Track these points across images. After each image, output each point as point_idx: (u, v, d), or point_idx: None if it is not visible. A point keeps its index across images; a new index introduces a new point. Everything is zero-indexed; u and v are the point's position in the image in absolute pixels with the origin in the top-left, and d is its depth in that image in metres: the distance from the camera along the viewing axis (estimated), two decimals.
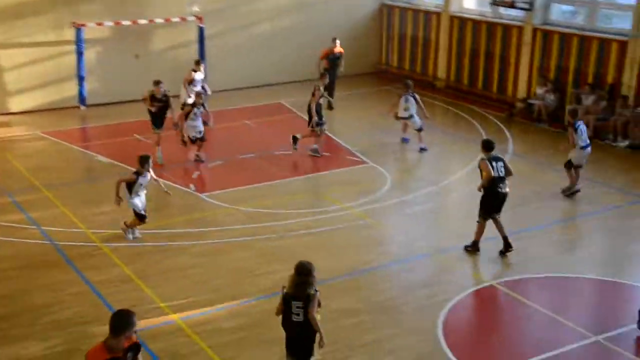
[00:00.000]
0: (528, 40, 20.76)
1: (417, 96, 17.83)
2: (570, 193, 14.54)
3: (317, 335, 7.94)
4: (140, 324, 8.25)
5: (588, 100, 18.64)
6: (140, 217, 12.08)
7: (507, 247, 12.01)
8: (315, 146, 17.17)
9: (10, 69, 20.94)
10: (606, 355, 9.57)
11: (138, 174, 11.74)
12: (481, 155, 12.18)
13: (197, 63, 19.26)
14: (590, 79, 19.17)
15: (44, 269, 11.81)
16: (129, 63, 22.16)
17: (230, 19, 23.67)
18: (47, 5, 21.02)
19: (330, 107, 19.93)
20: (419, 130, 17.71)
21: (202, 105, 16.45)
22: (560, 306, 10.75)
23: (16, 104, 21.19)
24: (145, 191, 11.92)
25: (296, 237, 12.92)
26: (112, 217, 13.41)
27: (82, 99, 21.68)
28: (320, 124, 17.08)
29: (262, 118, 20.73)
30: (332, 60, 21.55)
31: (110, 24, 21.61)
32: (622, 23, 19.05)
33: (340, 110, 20.95)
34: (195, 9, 22.56)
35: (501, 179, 11.80)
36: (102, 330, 9.88)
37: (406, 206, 14.43)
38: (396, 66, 25.87)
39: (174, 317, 10.30)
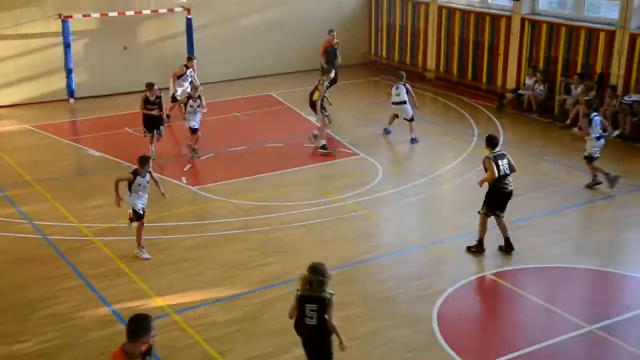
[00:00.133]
0: (516, 30, 20.77)
1: (408, 86, 17.86)
2: (593, 184, 14.62)
3: (335, 337, 7.77)
4: None
5: (577, 90, 18.70)
6: (137, 216, 11.93)
7: (509, 248, 11.96)
8: (316, 132, 17.14)
9: None
10: (600, 344, 9.62)
11: (136, 174, 11.57)
12: (486, 153, 11.87)
13: (190, 59, 19.15)
14: (579, 69, 19.22)
15: (37, 263, 11.77)
16: (117, 55, 22.05)
17: (218, 11, 23.57)
18: None
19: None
20: (411, 120, 17.71)
21: (199, 97, 16.34)
22: (554, 296, 10.81)
23: (4, 96, 21.04)
24: (146, 192, 11.75)
25: (289, 230, 12.91)
26: (104, 210, 13.38)
27: (70, 91, 21.54)
28: (324, 112, 17.01)
29: (252, 110, 20.67)
30: (332, 52, 21.44)
31: (97, 15, 21.47)
32: (610, 12, 19.12)
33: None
34: (183, 0, 22.43)
35: (506, 177, 11.71)
36: (97, 324, 9.93)
37: (399, 197, 14.44)
38: (385, 57, 25.84)
39: (169, 310, 10.28)
